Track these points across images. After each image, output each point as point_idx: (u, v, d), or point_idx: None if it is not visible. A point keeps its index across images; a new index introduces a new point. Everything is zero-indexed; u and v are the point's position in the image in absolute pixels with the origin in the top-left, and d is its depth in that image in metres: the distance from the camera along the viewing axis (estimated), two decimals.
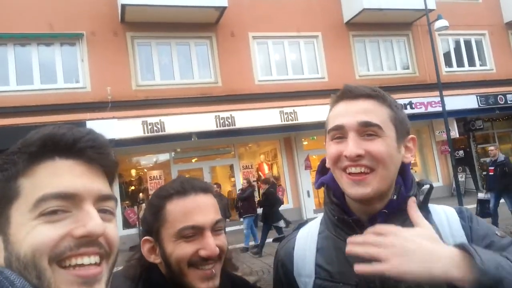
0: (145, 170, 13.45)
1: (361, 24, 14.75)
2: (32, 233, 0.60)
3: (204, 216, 1.07)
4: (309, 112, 12.93)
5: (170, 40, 13.03)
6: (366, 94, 1.06)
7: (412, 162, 1.15)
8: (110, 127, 10.77)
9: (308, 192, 13.98)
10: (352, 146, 1.01)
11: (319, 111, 12.97)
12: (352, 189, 1.03)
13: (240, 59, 13.48)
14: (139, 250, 1.15)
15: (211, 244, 1.05)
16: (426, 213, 1.07)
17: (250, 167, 14.30)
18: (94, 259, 0.63)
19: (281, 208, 13.80)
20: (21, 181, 0.63)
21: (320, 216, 1.24)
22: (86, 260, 0.62)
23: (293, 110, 12.94)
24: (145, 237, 1.12)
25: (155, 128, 11.57)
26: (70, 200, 0.63)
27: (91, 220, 0.63)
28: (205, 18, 12.90)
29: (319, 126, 13.17)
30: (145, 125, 11.50)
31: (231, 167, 14.15)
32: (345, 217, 1.09)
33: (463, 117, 15.64)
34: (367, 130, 1.02)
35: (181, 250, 1.05)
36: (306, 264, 1.16)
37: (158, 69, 12.90)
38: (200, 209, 1.08)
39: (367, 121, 1.02)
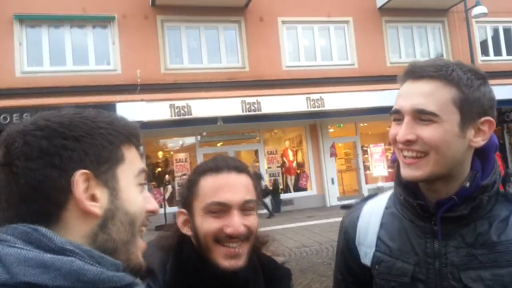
0: (172, 152, 13.69)
1: (394, 10, 14.30)
2: (137, 198, 0.75)
3: (233, 194, 1.09)
4: (337, 99, 12.76)
5: (199, 24, 13.06)
6: (429, 75, 1.01)
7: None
8: (139, 109, 10.99)
9: (332, 179, 13.90)
10: (403, 130, 1.01)
11: (347, 98, 12.80)
12: (404, 171, 1.04)
13: (268, 44, 13.37)
14: (175, 223, 1.19)
15: (236, 222, 1.07)
16: None
17: (274, 152, 14.32)
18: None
19: (305, 194, 13.90)
20: (124, 150, 0.75)
21: (389, 192, 1.25)
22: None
23: (320, 96, 12.79)
24: (180, 210, 1.17)
25: (182, 111, 11.72)
26: (145, 180, 0.79)
27: (153, 200, 0.80)
28: (234, 2, 12.83)
29: (346, 114, 13.03)
30: (172, 108, 11.66)
31: (256, 152, 14.20)
32: (410, 200, 1.09)
33: (498, 108, 14.95)
34: (422, 116, 1.00)
35: (208, 224, 1.08)
36: (368, 235, 1.19)
37: (186, 53, 13.00)
38: (230, 187, 1.10)
39: (421, 109, 0.99)
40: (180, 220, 1.16)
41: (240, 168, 1.15)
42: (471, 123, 1.01)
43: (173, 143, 13.88)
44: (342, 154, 15.74)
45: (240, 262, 1.07)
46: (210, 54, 13.18)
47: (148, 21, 12.55)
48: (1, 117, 10.11)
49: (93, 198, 0.68)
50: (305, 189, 14.16)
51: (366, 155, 15.04)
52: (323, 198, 13.81)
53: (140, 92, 11.70)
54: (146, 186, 0.81)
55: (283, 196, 13.63)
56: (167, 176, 13.03)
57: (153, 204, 0.79)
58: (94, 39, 12.33)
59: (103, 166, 0.71)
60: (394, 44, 14.76)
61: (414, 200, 1.08)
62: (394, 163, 1.17)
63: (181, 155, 13.26)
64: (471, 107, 1.00)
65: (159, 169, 13.36)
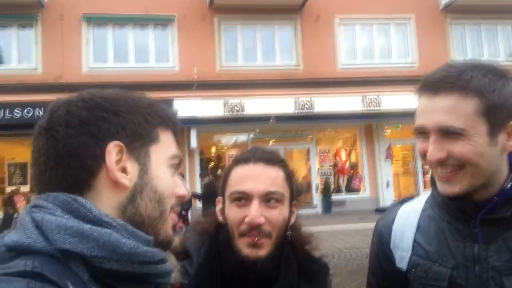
0: (225, 148, 13.93)
1: (461, 8, 13.50)
2: (169, 178, 0.77)
3: (255, 184, 1.09)
4: (395, 100, 12.27)
5: (255, 23, 13.21)
6: (447, 87, 0.95)
7: None
8: (194, 106, 11.32)
9: (387, 182, 13.39)
10: (432, 150, 0.96)
11: (405, 99, 12.22)
12: (441, 187, 1.01)
13: (324, 43, 13.20)
14: (215, 210, 1.23)
15: (253, 211, 1.06)
16: None
17: (327, 152, 14.07)
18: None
19: (357, 196, 13.49)
20: (160, 131, 0.77)
21: (427, 194, 1.22)
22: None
23: (377, 97, 12.39)
24: (219, 197, 1.20)
25: (235, 108, 11.90)
26: (179, 165, 0.81)
27: (184, 185, 0.82)
28: (291, 1, 12.82)
29: (404, 115, 12.45)
30: (226, 106, 11.88)
31: (308, 151, 14.04)
32: (449, 201, 1.05)
33: None
34: (449, 133, 0.95)
35: (233, 214, 1.11)
36: (404, 238, 1.15)
37: (241, 52, 13.22)
38: (253, 177, 1.10)
39: (447, 126, 0.94)
40: (218, 208, 1.20)
41: (268, 159, 1.14)
42: (502, 128, 0.95)
43: (227, 139, 14.13)
44: (399, 156, 15.07)
45: (260, 253, 1.07)
46: (265, 53, 13.30)
47: (206, 21, 12.89)
48: None
49: (124, 170, 0.71)
50: (358, 191, 13.77)
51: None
52: (377, 201, 13.32)
53: (196, 89, 12.02)
54: (178, 173, 0.81)
55: (335, 197, 13.35)
56: (219, 170, 13.28)
57: (183, 189, 0.79)
58: (155, 38, 12.92)
59: (137, 142, 0.73)
60: (459, 44, 13.96)
61: (453, 203, 1.03)
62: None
63: (234, 151, 13.45)
64: (498, 113, 0.94)
65: (212, 163, 13.63)
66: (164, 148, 0.77)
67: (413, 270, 1.11)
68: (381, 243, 1.22)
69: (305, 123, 12.93)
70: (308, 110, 12.13)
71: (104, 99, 0.73)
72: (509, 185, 0.99)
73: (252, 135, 13.63)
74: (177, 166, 0.80)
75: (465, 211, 1.02)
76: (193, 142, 11.88)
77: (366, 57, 13.65)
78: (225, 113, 11.90)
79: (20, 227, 0.65)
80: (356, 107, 12.34)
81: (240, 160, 1.16)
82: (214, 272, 1.11)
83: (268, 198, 1.09)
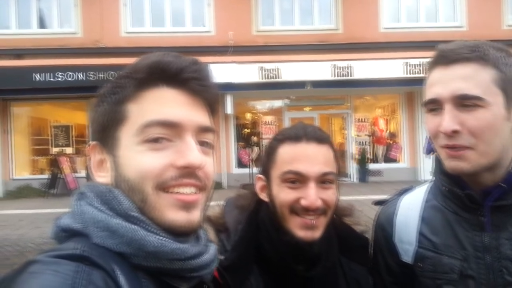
0: (260, 114, 13.85)
1: None
2: (137, 159, 0.65)
3: (310, 165, 1.05)
4: None
5: None
6: (464, 57, 0.92)
7: None
8: (230, 71, 11.22)
9: None
10: (448, 120, 0.92)
11: None
12: (449, 163, 0.96)
13: (365, 3, 12.58)
14: (253, 185, 1.19)
15: (311, 195, 1.03)
16: None
17: (364, 120, 13.69)
18: (191, 190, 0.68)
19: (395, 166, 13.16)
20: (129, 106, 0.67)
21: (427, 183, 1.18)
22: (186, 190, 0.67)
23: (421, 62, 11.73)
24: (259, 175, 1.16)
25: (271, 74, 11.69)
26: (173, 129, 0.66)
27: (191, 152, 0.66)
28: None
29: None
30: (261, 71, 11.69)
31: (344, 118, 13.73)
32: (456, 190, 1.01)
33: None
34: (465, 102, 0.91)
35: (285, 194, 1.06)
36: (409, 231, 1.12)
37: (278, 14, 12.87)
38: (308, 157, 1.06)
39: (464, 94, 0.90)
40: (258, 185, 1.16)
41: (320, 138, 1.10)
42: None
43: (262, 105, 14.01)
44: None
45: (316, 234, 1.05)
46: (302, 15, 12.89)
47: None
48: (109, 74, 11.03)
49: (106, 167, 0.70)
50: (396, 161, 13.43)
51: None
52: (415, 172, 12.97)
53: (231, 53, 11.88)
54: (185, 137, 0.67)
55: (372, 166, 13.09)
56: (254, 137, 13.30)
57: (184, 158, 0.66)
58: (191, 1, 12.72)
59: (107, 133, 0.69)
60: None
61: (461, 191, 1.00)
62: (429, 154, 1.00)
63: (269, 118, 13.38)
64: (511, 87, 0.93)
65: (247, 130, 13.65)
66: (132, 123, 0.66)
67: (419, 264, 1.07)
68: (384, 237, 1.18)
69: (343, 89, 12.55)
70: (346, 76, 11.73)
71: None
72: None
73: (287, 101, 13.44)
74: (177, 133, 0.66)
75: (473, 199, 0.98)
76: (229, 108, 11.87)
77: (410, 19, 12.92)
78: (261, 79, 11.73)
79: (72, 212, 0.67)
80: (398, 73, 11.79)
81: (288, 138, 1.10)
82: (249, 253, 1.09)
83: (323, 179, 1.06)
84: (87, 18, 12.24)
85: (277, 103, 13.60)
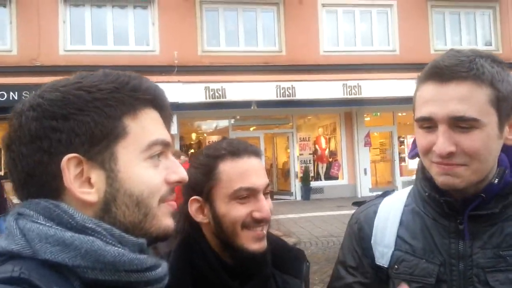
0: (205, 134, 13.87)
1: None
2: (145, 174, 0.67)
3: (259, 178, 1.08)
4: (375, 87, 12.40)
5: (237, 6, 12.98)
6: (461, 75, 0.90)
7: None
8: (175, 91, 11.12)
9: (365, 169, 13.63)
10: (443, 142, 0.91)
11: (386, 86, 12.38)
12: (441, 179, 0.96)
13: (307, 28, 13.10)
14: (185, 208, 1.13)
15: (265, 206, 1.06)
16: None
17: (307, 139, 14.18)
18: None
19: (336, 183, 13.70)
20: (128, 122, 0.67)
21: (408, 188, 1.19)
22: (172, 200, 0.73)
23: (358, 83, 12.47)
24: (194, 197, 1.10)
25: (216, 94, 11.79)
26: (166, 148, 0.71)
27: (180, 168, 0.72)
28: None
29: (384, 102, 12.63)
30: (207, 91, 11.75)
31: (288, 138, 14.13)
32: (436, 196, 1.02)
33: None
34: (461, 123, 0.91)
35: (236, 211, 1.05)
36: (386, 234, 1.12)
37: (223, 35, 13.00)
38: (255, 171, 1.08)
39: (461, 116, 0.89)
40: (194, 208, 1.10)
41: (257, 152, 1.13)
42: (507, 120, 0.95)
43: (207, 125, 14.04)
44: (377, 144, 15.32)
45: (265, 243, 1.08)
46: (247, 37, 13.13)
47: (187, 3, 12.58)
48: None
49: (89, 182, 0.64)
50: (336, 178, 13.99)
51: (402, 146, 14.59)
52: (354, 188, 13.60)
53: (176, 73, 11.83)
54: (169, 156, 0.73)
55: (314, 184, 13.53)
56: None
57: (178, 174, 0.71)
58: (134, 19, 12.53)
59: (97, 146, 0.64)
60: (440, 30, 14.07)
61: (441, 197, 1.00)
62: (413, 158, 1.12)
63: (214, 138, 13.39)
64: (506, 103, 0.92)
65: (192, 150, 13.58)
66: (136, 139, 0.67)
67: (396, 266, 1.08)
68: (361, 237, 1.17)
69: (286, 109, 12.94)
70: (290, 97, 12.12)
71: (52, 101, 0.64)
72: (496, 180, 0.97)
73: (233, 121, 13.59)
74: (164, 152, 0.71)
75: (451, 206, 1.00)
76: (173, 128, 11.77)
77: (348, 43, 13.64)
78: (206, 99, 11.78)
79: (9, 233, 0.62)
80: (337, 93, 12.39)
81: (228, 154, 1.08)
82: (185, 274, 1.07)
83: (266, 190, 1.11)
84: (23, 35, 11.61)
85: (223, 123, 13.69)
